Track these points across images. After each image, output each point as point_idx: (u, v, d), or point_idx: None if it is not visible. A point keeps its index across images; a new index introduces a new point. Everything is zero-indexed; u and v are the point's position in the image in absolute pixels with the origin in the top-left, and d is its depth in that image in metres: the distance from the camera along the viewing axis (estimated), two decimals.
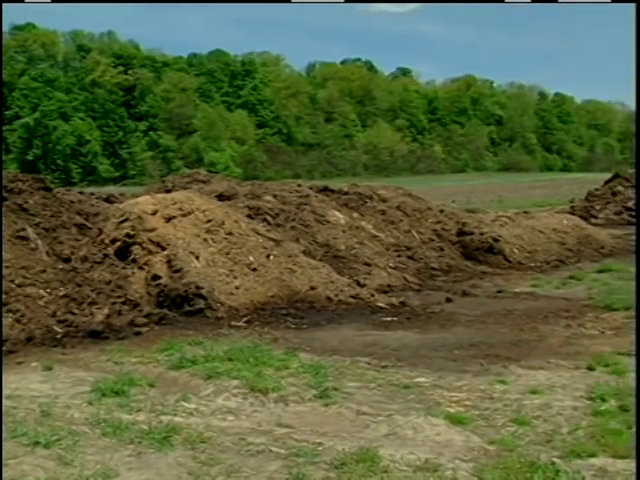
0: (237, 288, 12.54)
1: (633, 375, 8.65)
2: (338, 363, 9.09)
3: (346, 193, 19.52)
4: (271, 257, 13.63)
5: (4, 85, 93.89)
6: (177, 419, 6.90)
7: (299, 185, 19.45)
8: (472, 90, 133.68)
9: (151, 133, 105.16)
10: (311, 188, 19.40)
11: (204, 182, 20.56)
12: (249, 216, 15.88)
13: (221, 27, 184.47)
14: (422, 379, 8.47)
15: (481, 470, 5.75)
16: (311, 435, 6.56)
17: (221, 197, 17.04)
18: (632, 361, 9.31)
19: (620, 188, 34.29)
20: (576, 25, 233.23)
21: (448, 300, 13.72)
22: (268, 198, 17.57)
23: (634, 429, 6.53)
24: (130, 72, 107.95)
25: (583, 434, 6.63)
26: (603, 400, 7.57)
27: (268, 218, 16.43)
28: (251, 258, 13.31)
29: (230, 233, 13.68)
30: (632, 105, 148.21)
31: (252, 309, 12.11)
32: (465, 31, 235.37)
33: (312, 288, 13.20)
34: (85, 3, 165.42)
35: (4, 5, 11.89)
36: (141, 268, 12.72)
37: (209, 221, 13.78)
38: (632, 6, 10.36)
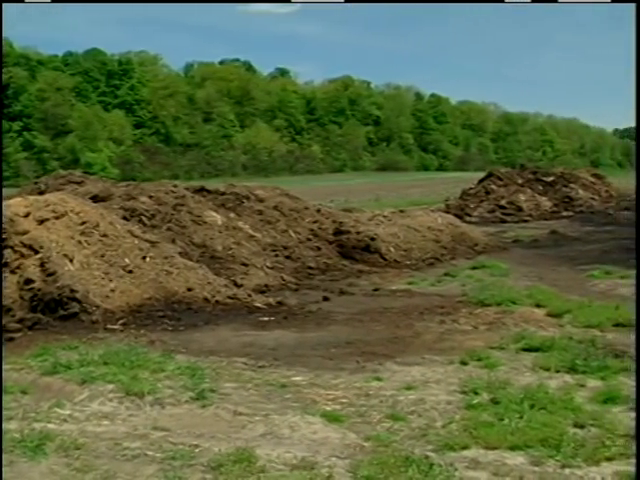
0: (112, 291, 12.34)
1: (504, 368, 8.91)
2: (215, 364, 9.06)
3: (223, 193, 19.46)
4: (147, 259, 13.48)
5: None
6: (51, 426, 6.75)
7: (175, 186, 19.28)
8: (350, 91, 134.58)
9: (25, 133, 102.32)
10: (187, 189, 19.26)
11: (78, 183, 20.23)
12: (124, 217, 15.68)
13: (98, 25, 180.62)
14: (299, 378, 8.51)
15: (357, 466, 5.81)
16: (187, 437, 6.51)
17: (96, 198, 16.78)
18: (503, 355, 9.59)
19: (493, 187, 35.22)
20: (450, 27, 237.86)
21: (325, 299, 13.81)
22: (144, 199, 17.38)
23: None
24: (3, 70, 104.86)
25: (456, 427, 6.77)
26: (475, 394, 7.75)
27: (144, 219, 16.26)
28: (127, 260, 13.13)
29: (105, 235, 13.46)
30: (505, 106, 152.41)
31: (128, 312, 11.94)
32: (344, 32, 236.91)
33: (189, 289, 13.11)
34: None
35: (4, 5, 11.67)
36: (13, 272, 12.36)
37: (83, 223, 13.52)
38: (632, 6, 10.54)
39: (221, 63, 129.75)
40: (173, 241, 15.54)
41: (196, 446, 6.27)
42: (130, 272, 12.91)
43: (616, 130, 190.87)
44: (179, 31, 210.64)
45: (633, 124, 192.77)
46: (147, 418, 7.06)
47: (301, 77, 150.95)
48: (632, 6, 10.41)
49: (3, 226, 12.87)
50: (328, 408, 7.35)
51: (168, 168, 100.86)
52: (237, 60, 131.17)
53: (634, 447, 5.78)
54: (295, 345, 10.24)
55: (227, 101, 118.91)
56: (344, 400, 7.65)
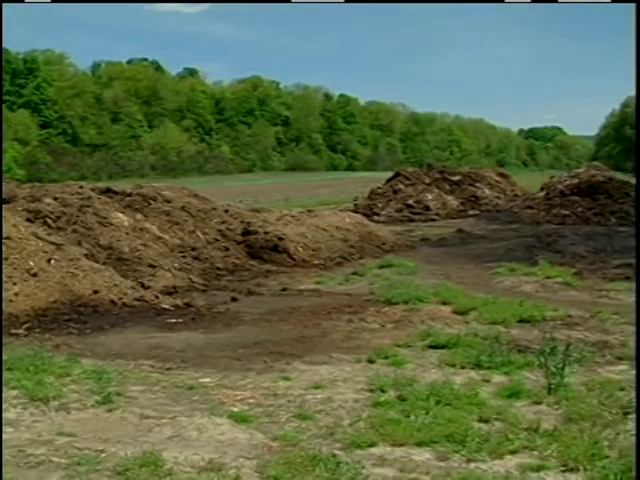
0: (16, 295, 12.09)
1: (411, 366, 9.01)
2: (122, 367, 8.96)
3: (129, 194, 19.25)
4: (52, 261, 13.25)
5: None
6: None
7: (81, 187, 18.99)
8: (259, 91, 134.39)
9: None
10: (93, 190, 19.01)
11: None
12: (29, 220, 15.41)
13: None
14: (207, 379, 8.47)
15: (264, 467, 5.80)
16: (93, 442, 6.40)
17: None
18: (410, 352, 9.70)
19: (401, 186, 35.54)
20: (359, 27, 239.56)
21: (233, 299, 13.79)
22: (48, 201, 17.08)
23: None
24: None
25: (364, 425, 6.81)
26: (383, 391, 7.82)
27: (49, 221, 15.99)
28: (31, 263, 12.88)
29: (8, 237, 13.19)
30: (413, 106, 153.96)
31: (33, 316, 11.71)
32: (253, 32, 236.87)
33: (95, 292, 12.94)
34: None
35: (4, 5, 11.37)
36: None
37: None
38: (632, 6, 10.63)
39: (129, 62, 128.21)
40: (79, 243, 15.32)
41: (102, 451, 6.17)
42: (34, 275, 12.67)
43: (521, 130, 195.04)
44: (86, 30, 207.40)
45: (538, 124, 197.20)
46: (52, 424, 6.92)
47: (210, 77, 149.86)
48: (632, 6, 10.56)
49: None
50: (236, 409, 7.32)
51: (75, 169, 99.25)
52: (145, 60, 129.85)
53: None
54: (203, 346, 10.19)
55: (135, 101, 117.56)
56: (252, 400, 7.64)
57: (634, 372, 8.06)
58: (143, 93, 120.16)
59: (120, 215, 17.38)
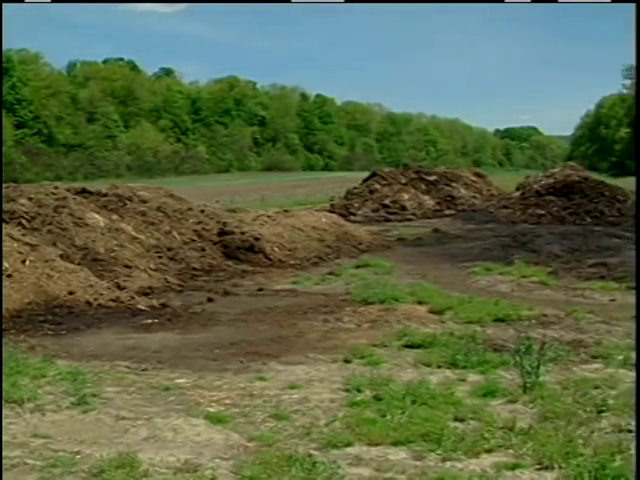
0: None
1: (387, 365, 9.02)
2: (97, 368, 8.92)
3: (105, 195, 19.18)
4: (27, 262, 13.17)
5: None
6: None
7: (56, 187, 18.88)
8: (235, 91, 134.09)
9: None
10: (69, 190, 18.90)
11: None
12: (3, 220, 15.29)
13: None
14: (183, 380, 8.45)
15: (240, 467, 5.79)
16: (69, 444, 6.37)
17: None
18: (386, 352, 9.71)
19: (377, 186, 35.58)
20: (335, 28, 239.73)
21: (209, 300, 13.76)
22: (23, 201, 16.98)
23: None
24: None
25: (340, 425, 6.82)
26: (359, 391, 7.84)
27: (23, 222, 15.90)
28: (5, 264, 12.80)
29: None
30: (389, 106, 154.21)
31: (8, 317, 11.64)
32: (230, 32, 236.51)
33: (70, 293, 12.88)
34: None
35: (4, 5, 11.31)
36: None
37: None
38: (632, 6, 10.64)
39: (105, 62, 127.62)
40: (54, 244, 15.23)
41: (77, 452, 6.14)
42: (9, 276, 12.59)
43: (497, 130, 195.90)
44: (61, 29, 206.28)
45: (514, 124, 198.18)
46: (27, 425, 6.88)
47: (186, 77, 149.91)
48: (632, 6, 10.59)
49: None
50: (212, 409, 7.31)
51: (51, 169, 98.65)
52: (121, 59, 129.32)
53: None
54: (179, 347, 10.17)
55: (111, 101, 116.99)
56: (228, 401, 7.63)
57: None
58: (119, 93, 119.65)
59: (96, 215, 17.30)
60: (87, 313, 12.36)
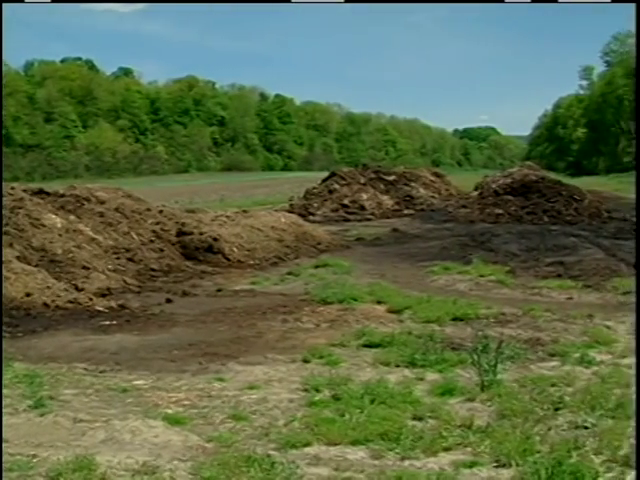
0: None
1: (345, 365, 9.04)
2: (55, 371, 8.85)
3: (62, 195, 19.01)
4: None
5: None
6: None
7: (12, 188, 18.65)
8: (194, 91, 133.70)
9: None
10: (25, 191, 18.69)
11: None
12: None
13: None
14: (141, 381, 8.41)
15: (199, 468, 5.78)
16: (26, 447, 6.30)
17: None
18: (345, 352, 9.73)
19: (336, 186, 35.63)
20: (294, 28, 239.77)
21: (168, 301, 13.70)
22: None
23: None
24: None
25: (298, 425, 6.83)
26: (317, 391, 7.85)
27: None
28: None
29: None
30: (348, 106, 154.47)
31: None
32: (188, 32, 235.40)
33: (27, 294, 12.77)
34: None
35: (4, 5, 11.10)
36: None
37: None
38: (632, 6, 10.64)
39: (63, 62, 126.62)
40: (10, 245, 15.06)
41: (34, 456, 6.08)
42: None
43: (456, 130, 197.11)
44: (18, 28, 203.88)
45: (472, 125, 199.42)
46: None
47: (145, 77, 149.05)
48: (632, 6, 10.64)
49: None
50: (170, 411, 7.28)
51: (8, 170, 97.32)
52: (79, 59, 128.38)
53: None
54: (137, 348, 10.11)
55: (69, 101, 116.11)
56: (186, 402, 7.60)
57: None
58: (77, 93, 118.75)
59: (53, 216, 17.14)
60: (44, 315, 12.26)
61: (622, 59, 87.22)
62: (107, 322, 11.88)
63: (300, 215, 27.51)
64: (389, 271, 17.01)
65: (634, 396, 6.98)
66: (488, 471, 5.79)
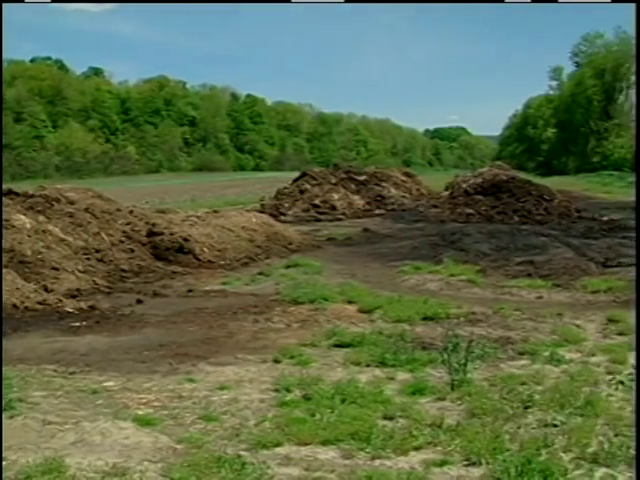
0: None
1: (316, 365, 9.05)
2: (24, 372, 8.80)
3: (32, 196, 18.88)
4: None
5: None
6: None
7: None
8: (165, 91, 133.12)
9: None
10: None
11: None
12: None
13: None
14: (111, 383, 8.38)
15: (169, 470, 5.78)
16: None
17: None
18: (316, 352, 9.74)
19: (307, 186, 35.65)
20: (265, 27, 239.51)
21: (139, 302, 13.65)
22: None
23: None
24: None
25: (269, 425, 6.84)
26: (288, 391, 7.86)
27: None
28: None
29: None
30: (320, 106, 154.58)
31: None
32: (159, 31, 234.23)
33: None
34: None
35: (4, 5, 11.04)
36: None
37: None
38: (632, 6, 10.69)
39: (32, 61, 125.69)
40: None
41: (3, 458, 6.04)
42: None
43: (427, 130, 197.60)
44: None
45: (443, 125, 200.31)
46: None
47: (115, 77, 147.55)
48: (632, 6, 10.71)
49: None
50: (140, 412, 7.26)
51: None
52: (49, 58, 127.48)
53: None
54: (107, 350, 10.07)
55: (39, 100, 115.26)
56: (157, 403, 7.58)
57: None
58: (47, 92, 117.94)
59: (22, 217, 17.00)
60: (14, 316, 12.17)
61: (591, 60, 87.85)
62: (77, 323, 11.82)
63: (271, 215, 27.47)
64: (360, 271, 17.04)
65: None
66: (458, 470, 5.82)
